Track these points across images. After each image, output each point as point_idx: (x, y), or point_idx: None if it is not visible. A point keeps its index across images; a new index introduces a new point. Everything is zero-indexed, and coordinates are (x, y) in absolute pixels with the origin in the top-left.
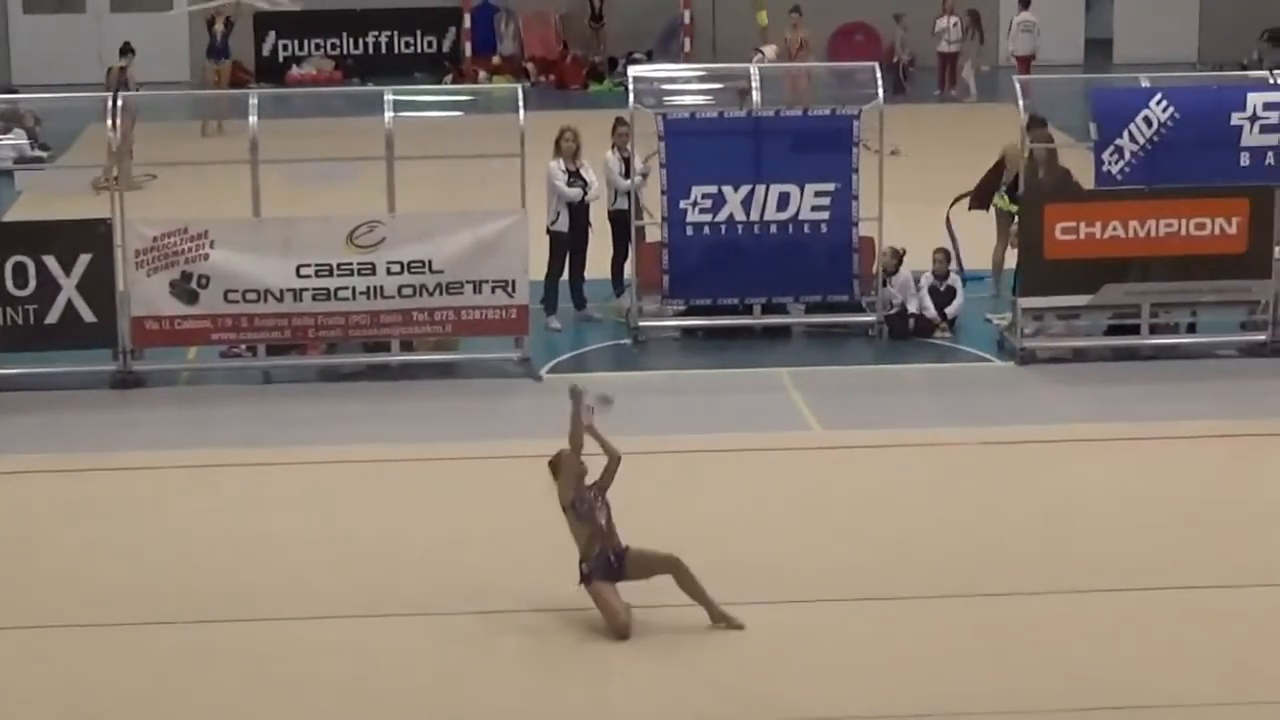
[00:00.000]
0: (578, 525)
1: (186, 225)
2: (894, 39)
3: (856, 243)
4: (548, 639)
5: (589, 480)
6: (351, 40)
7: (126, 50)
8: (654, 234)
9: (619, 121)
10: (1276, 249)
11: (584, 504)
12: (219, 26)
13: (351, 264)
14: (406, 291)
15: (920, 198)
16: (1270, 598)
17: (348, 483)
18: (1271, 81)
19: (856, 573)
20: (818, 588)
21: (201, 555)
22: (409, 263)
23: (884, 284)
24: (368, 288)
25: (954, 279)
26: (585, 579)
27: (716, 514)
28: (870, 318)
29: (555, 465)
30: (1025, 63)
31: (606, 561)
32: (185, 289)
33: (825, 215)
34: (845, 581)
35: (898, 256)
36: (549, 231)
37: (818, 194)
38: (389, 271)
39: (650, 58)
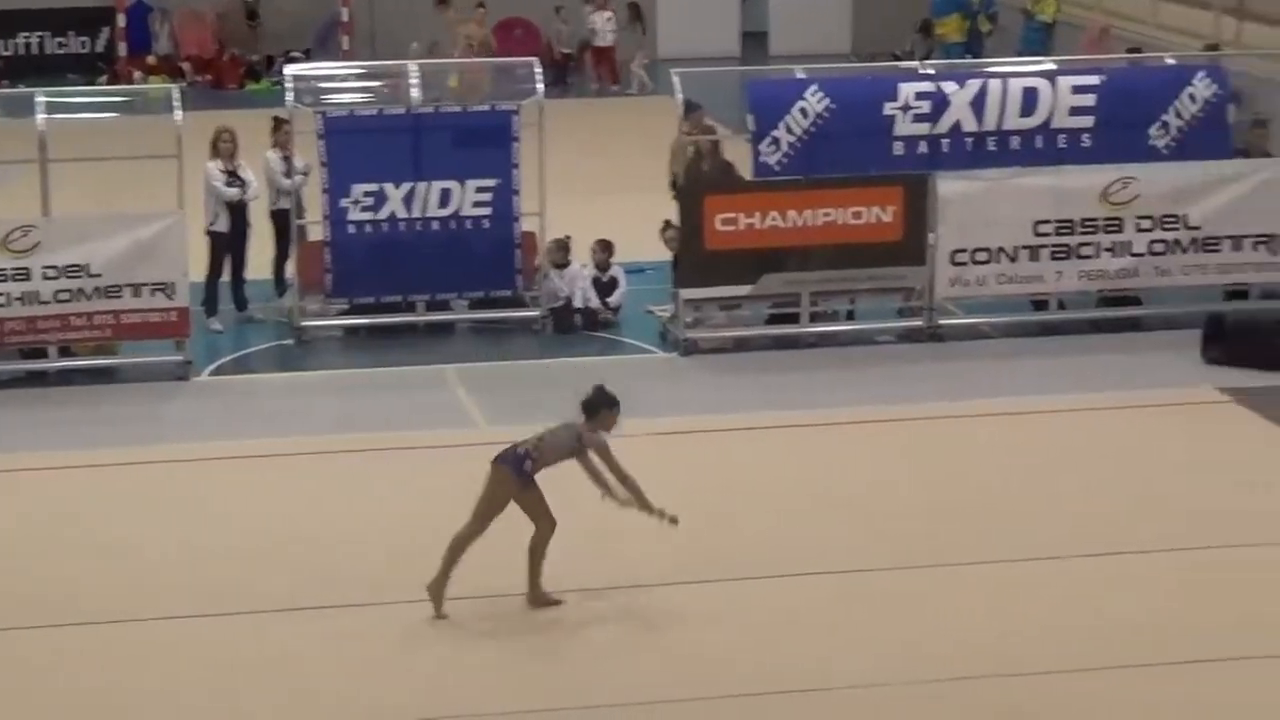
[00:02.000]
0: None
1: None
2: (552, 33)
3: (519, 238)
4: (243, 634)
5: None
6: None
7: None
8: (316, 233)
9: (279, 121)
10: (931, 236)
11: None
12: None
13: (6, 269)
14: (63, 296)
15: (581, 192)
16: (930, 578)
17: (2, 494)
18: (922, 71)
19: (519, 568)
20: (492, 580)
21: None
22: (65, 267)
23: (548, 276)
24: (23, 293)
25: (616, 270)
26: (530, 477)
27: (380, 512)
28: (534, 312)
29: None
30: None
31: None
32: None
33: (487, 211)
34: (514, 575)
35: (565, 249)
36: (208, 232)
37: (479, 190)
38: (45, 276)
39: (308, 56)
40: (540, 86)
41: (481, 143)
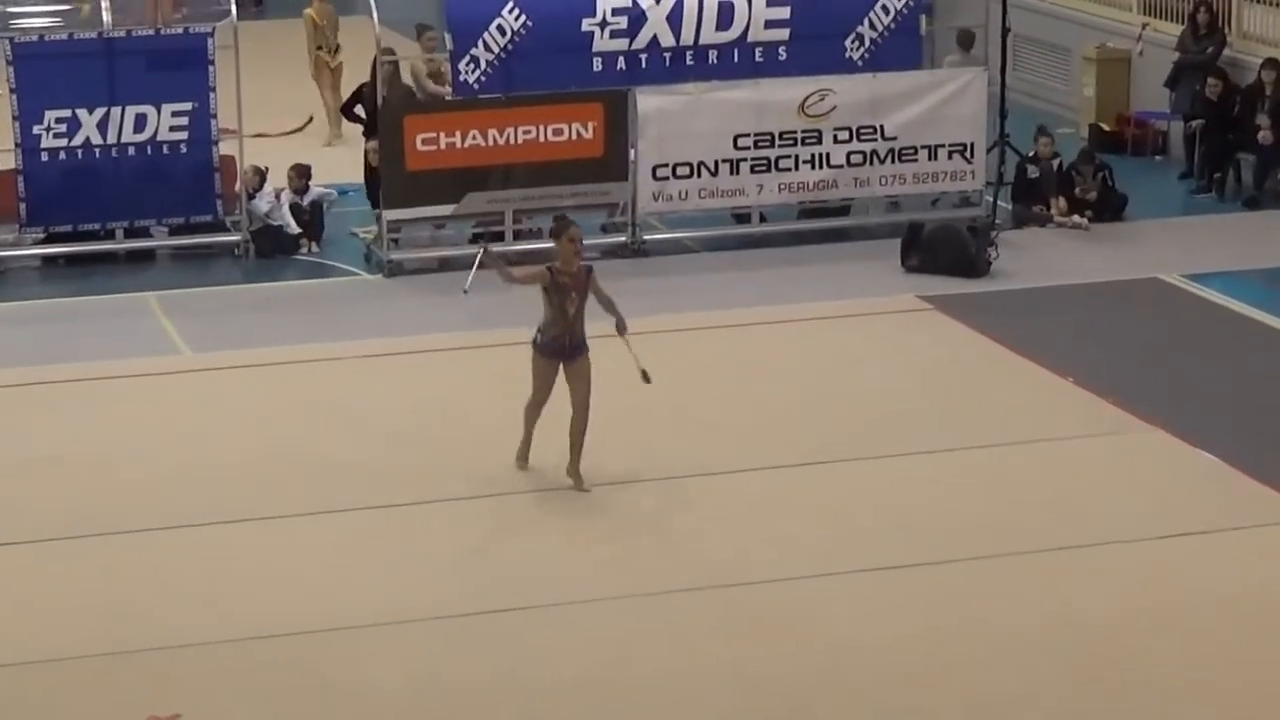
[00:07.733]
0: (547, 302)
1: None
2: None
3: (218, 162)
4: None
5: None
6: None
7: None
8: (7, 161)
9: None
10: (632, 151)
11: (557, 292)
12: None
13: None
14: None
15: (280, 115)
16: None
17: None
18: None
19: (228, 496)
20: (203, 510)
21: None
22: None
23: (249, 201)
24: None
25: (315, 192)
26: (534, 344)
27: (89, 440)
28: (236, 237)
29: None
30: None
31: (560, 345)
32: None
33: (184, 135)
34: (224, 505)
35: (260, 174)
36: None
37: (175, 114)
38: None
39: None
40: (234, 8)
41: (176, 66)
